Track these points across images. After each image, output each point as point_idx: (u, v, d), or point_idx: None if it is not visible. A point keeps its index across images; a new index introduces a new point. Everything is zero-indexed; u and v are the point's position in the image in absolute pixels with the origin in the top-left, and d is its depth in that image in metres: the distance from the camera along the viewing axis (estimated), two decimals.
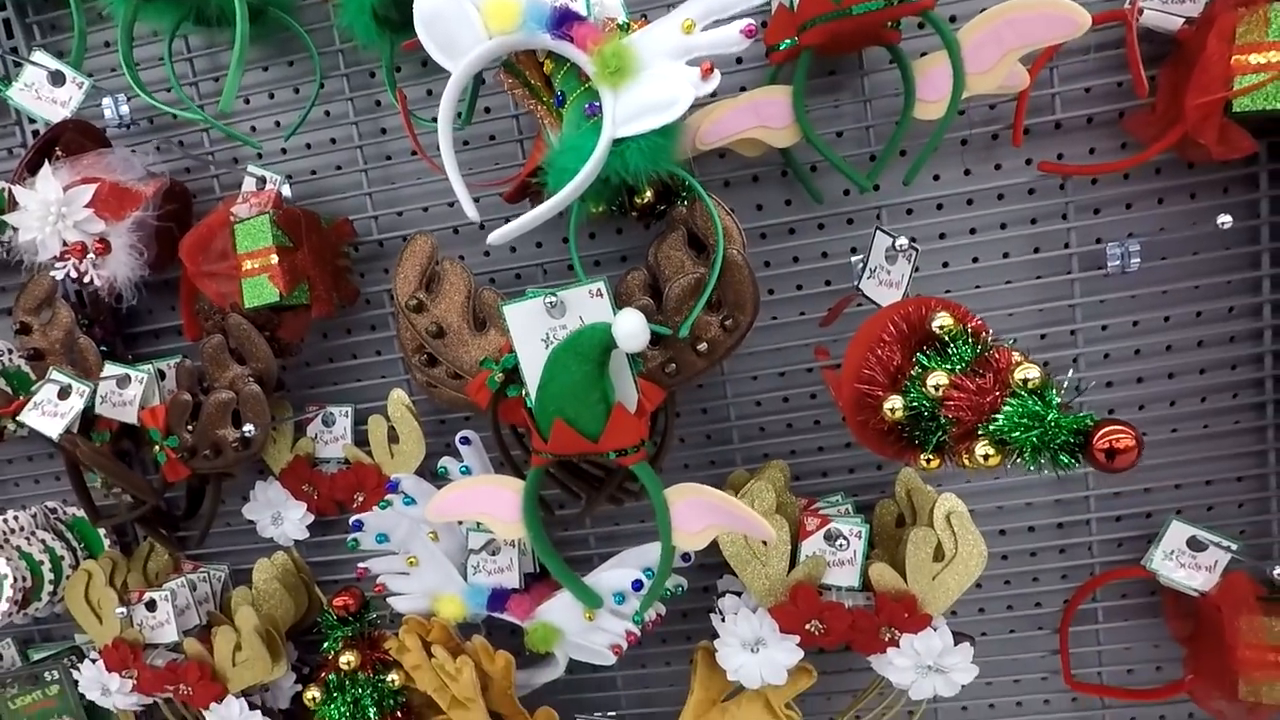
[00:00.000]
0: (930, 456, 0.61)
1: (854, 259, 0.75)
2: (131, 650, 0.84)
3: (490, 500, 0.71)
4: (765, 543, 0.71)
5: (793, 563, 0.72)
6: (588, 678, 0.92)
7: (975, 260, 0.80)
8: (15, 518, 0.90)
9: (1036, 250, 0.79)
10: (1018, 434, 0.52)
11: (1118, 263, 0.75)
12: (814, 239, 0.81)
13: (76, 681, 0.90)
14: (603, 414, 0.63)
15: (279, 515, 0.90)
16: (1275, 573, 0.70)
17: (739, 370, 0.84)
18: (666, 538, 0.65)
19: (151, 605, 0.85)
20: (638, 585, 0.69)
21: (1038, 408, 0.52)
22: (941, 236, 0.80)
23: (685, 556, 0.81)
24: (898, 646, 0.70)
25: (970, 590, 0.85)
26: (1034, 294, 0.79)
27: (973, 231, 0.80)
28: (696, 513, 0.63)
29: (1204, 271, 0.77)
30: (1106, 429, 0.49)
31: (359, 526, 0.72)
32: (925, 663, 0.70)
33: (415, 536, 0.76)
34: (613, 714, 0.87)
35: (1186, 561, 0.75)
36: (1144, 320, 0.79)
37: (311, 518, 0.89)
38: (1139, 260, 0.74)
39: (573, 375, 0.62)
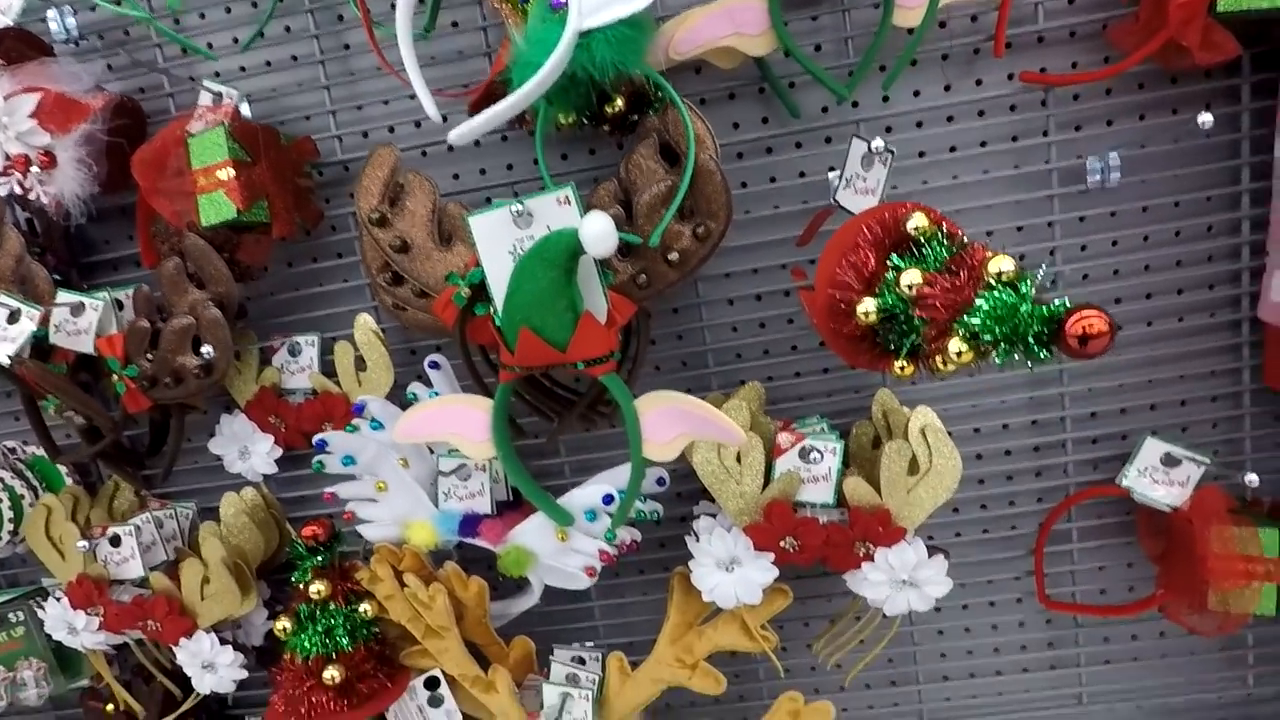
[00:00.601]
0: (904, 363, 0.60)
1: (831, 174, 0.73)
2: (96, 586, 0.82)
3: (459, 420, 0.70)
4: (739, 459, 0.70)
5: (767, 482, 0.72)
6: (565, 609, 0.91)
7: (955, 178, 0.78)
8: None
9: (1016, 167, 0.77)
10: (990, 325, 0.51)
11: (1097, 178, 0.74)
12: (791, 156, 0.79)
13: (42, 622, 0.88)
14: (570, 322, 0.62)
15: (246, 449, 0.88)
16: (1248, 479, 0.70)
17: (714, 294, 0.82)
18: (637, 449, 0.63)
19: (116, 540, 0.83)
20: (609, 500, 0.67)
21: (1012, 299, 0.51)
22: (921, 155, 0.78)
23: (660, 481, 0.80)
24: (872, 561, 0.70)
25: (946, 514, 0.85)
26: (1013, 212, 0.78)
27: (952, 149, 0.78)
28: (667, 421, 0.62)
29: (1184, 188, 0.76)
30: (1079, 314, 0.48)
31: (323, 446, 0.71)
32: (899, 577, 0.70)
33: (383, 461, 0.74)
34: (590, 644, 0.86)
35: (1160, 478, 0.75)
36: (1123, 239, 0.78)
37: (279, 451, 0.87)
38: (1119, 175, 0.73)
39: (539, 282, 0.61)
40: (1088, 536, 0.84)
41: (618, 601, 0.91)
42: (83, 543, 0.81)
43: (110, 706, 0.93)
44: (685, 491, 0.86)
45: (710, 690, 0.79)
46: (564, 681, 0.81)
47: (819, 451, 0.70)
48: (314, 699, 0.76)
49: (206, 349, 0.74)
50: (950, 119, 0.78)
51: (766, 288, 0.81)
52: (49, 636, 0.87)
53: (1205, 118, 0.66)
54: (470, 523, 0.76)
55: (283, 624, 0.78)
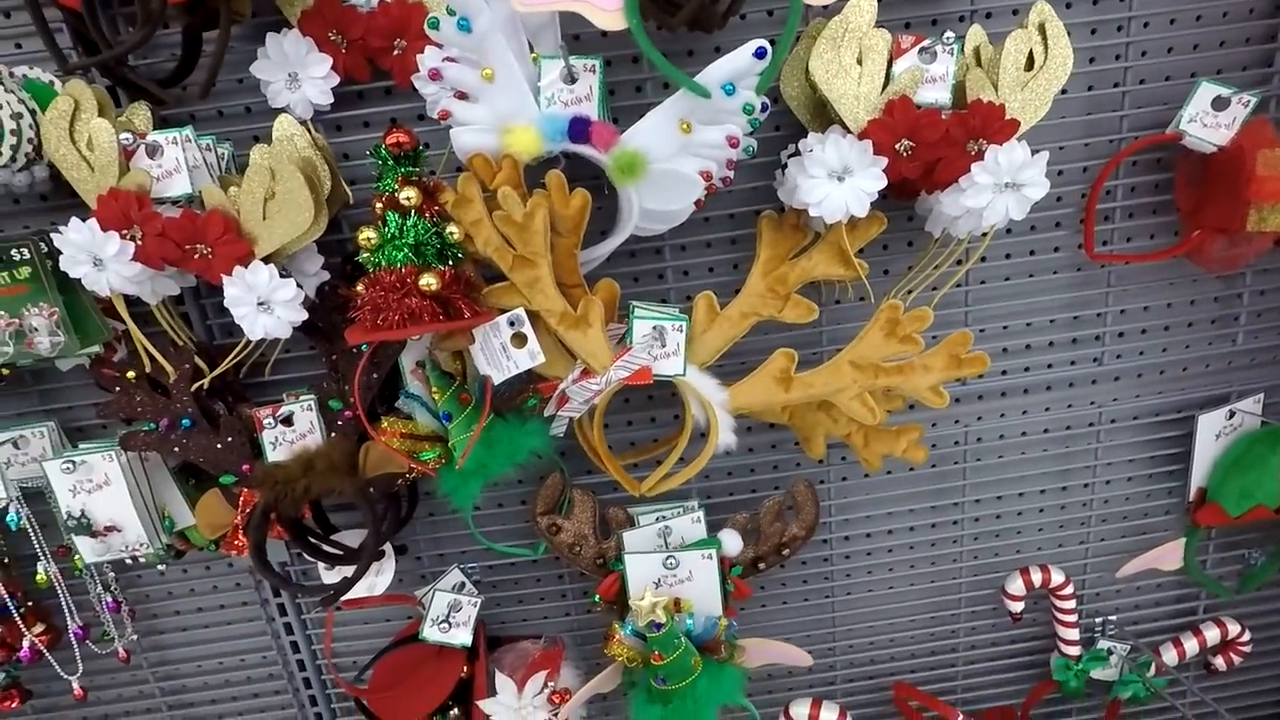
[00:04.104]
0: None
1: None
2: (138, 201, 0.72)
3: None
4: (860, 60, 0.71)
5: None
6: (642, 269, 0.91)
7: None
8: None
9: None
10: None
11: None
12: None
13: (53, 262, 0.78)
14: None
15: (295, 76, 0.79)
16: None
17: None
18: None
19: (154, 150, 0.73)
20: (761, 53, 0.66)
21: None
22: None
23: (763, 107, 0.79)
24: (982, 160, 0.73)
25: None
26: None
27: None
28: None
29: None
30: None
31: None
32: (1005, 178, 0.73)
33: (494, 43, 0.68)
34: (668, 306, 0.86)
35: (1210, 121, 0.83)
36: None
37: (336, 79, 0.79)
38: None
39: None
40: (1127, 196, 0.91)
41: (690, 260, 0.91)
42: (125, 135, 0.71)
43: (131, 374, 0.84)
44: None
45: (803, 318, 0.82)
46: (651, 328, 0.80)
47: (940, 48, 0.72)
48: (409, 305, 0.72)
49: None
50: None
51: None
52: (63, 277, 0.76)
53: None
54: (580, 124, 0.72)
55: (367, 234, 0.73)
